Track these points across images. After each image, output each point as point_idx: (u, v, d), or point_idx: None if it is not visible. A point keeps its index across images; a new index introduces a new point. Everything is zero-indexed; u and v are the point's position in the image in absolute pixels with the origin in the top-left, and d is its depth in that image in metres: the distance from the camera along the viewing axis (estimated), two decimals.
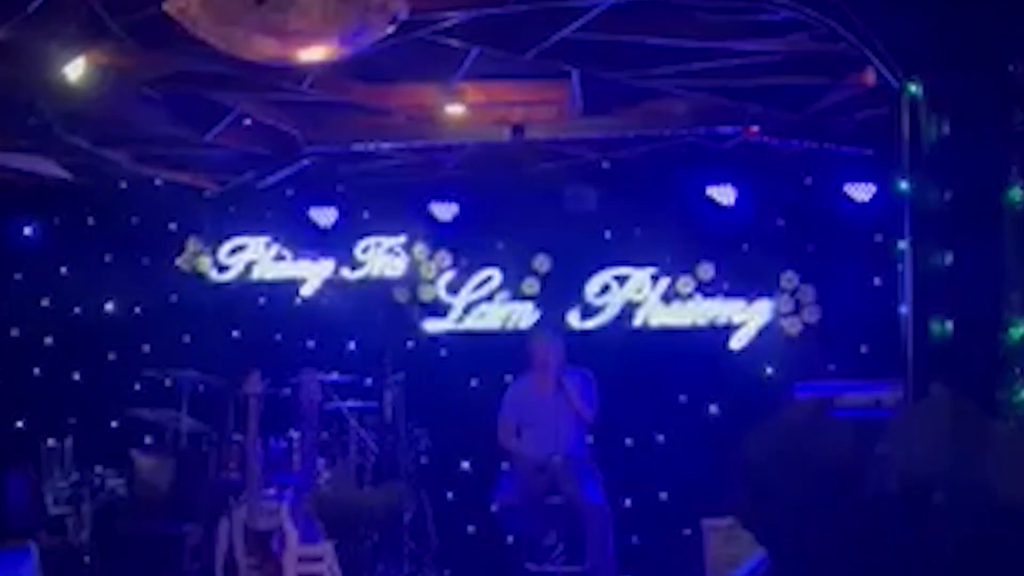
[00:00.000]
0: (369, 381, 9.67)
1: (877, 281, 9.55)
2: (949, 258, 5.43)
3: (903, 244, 5.73)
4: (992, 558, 1.68)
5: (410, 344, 10.04)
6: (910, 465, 1.78)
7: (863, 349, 9.74)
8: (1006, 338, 5.24)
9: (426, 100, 8.58)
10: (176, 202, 10.78)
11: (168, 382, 9.90)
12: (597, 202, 10.46)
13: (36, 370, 11.00)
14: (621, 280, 10.41)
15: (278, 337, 10.74)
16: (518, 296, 10.53)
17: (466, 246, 10.64)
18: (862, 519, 1.84)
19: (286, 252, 10.80)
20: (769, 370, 10.10)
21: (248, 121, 9.22)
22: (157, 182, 10.73)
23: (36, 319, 11.03)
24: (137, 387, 10.42)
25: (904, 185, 5.71)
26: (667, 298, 10.35)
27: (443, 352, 10.52)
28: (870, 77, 7.42)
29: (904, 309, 5.71)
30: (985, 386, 5.19)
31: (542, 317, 10.37)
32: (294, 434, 8.89)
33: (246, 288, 10.83)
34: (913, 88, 5.58)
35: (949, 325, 5.39)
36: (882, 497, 1.78)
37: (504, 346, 10.10)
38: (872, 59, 5.90)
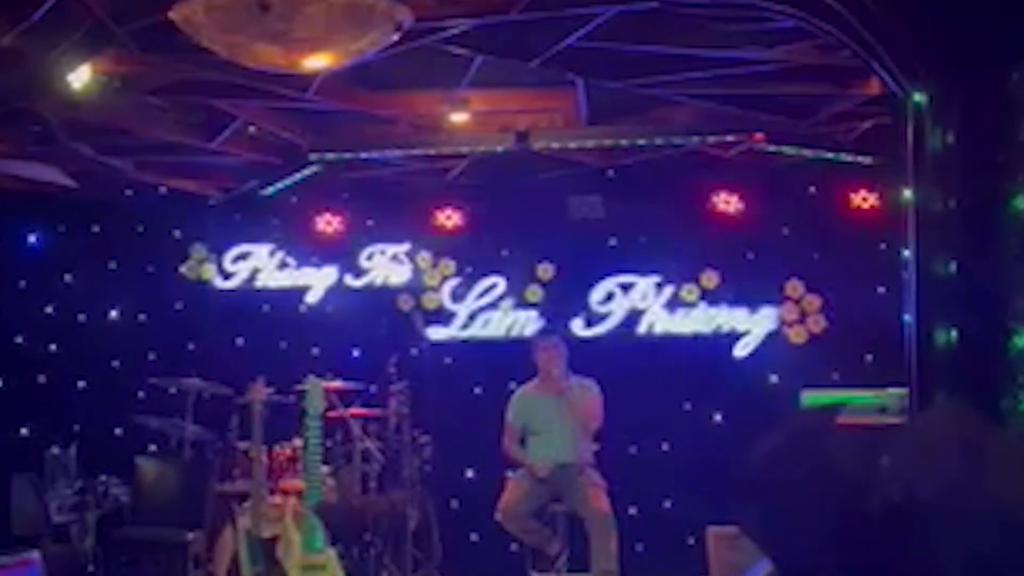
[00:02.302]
0: (373, 389, 9.68)
1: (882, 290, 9.55)
2: (953, 267, 5.42)
3: (907, 252, 5.72)
4: (998, 572, 1.68)
5: (414, 352, 10.04)
6: (915, 477, 1.77)
7: (868, 358, 9.73)
8: (1011, 347, 5.23)
9: (431, 108, 8.60)
10: (180, 210, 10.80)
11: (172, 390, 9.90)
12: (602, 210, 10.46)
13: (41, 377, 11.01)
14: (625, 288, 10.41)
15: (282, 345, 10.75)
16: (522, 304, 10.54)
17: (470, 254, 10.65)
18: (869, 531, 1.83)
19: (290, 260, 10.81)
20: (774, 378, 10.11)
21: (253, 129, 9.23)
22: (161, 190, 10.76)
23: (40, 327, 11.04)
24: (141, 395, 10.41)
25: (908, 193, 5.71)
26: (671, 306, 10.35)
27: (447, 360, 10.52)
28: (874, 86, 7.43)
29: (908, 318, 5.70)
30: (990, 395, 5.18)
31: (546, 325, 10.37)
32: (298, 441, 8.90)
33: (250, 295, 10.83)
34: (917, 97, 5.57)
35: (954, 334, 5.38)
36: (888, 509, 1.78)
37: (508, 354, 10.09)
38: (876, 68, 5.89)
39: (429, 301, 10.66)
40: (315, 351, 10.65)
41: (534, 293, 10.54)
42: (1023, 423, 5.10)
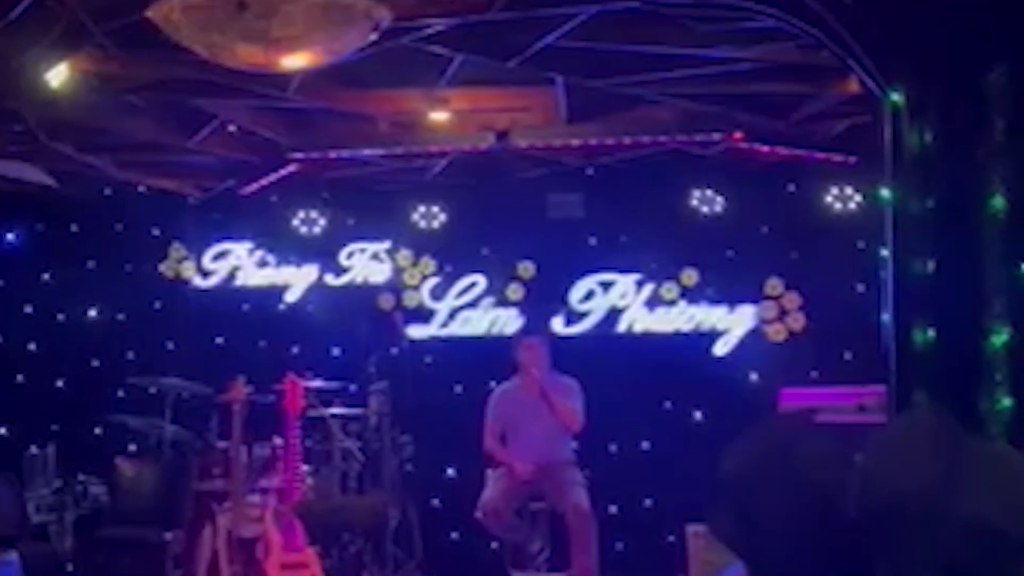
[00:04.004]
0: (353, 387, 9.66)
1: (860, 288, 9.57)
2: (931, 266, 5.44)
3: (885, 252, 5.74)
4: None
5: (394, 350, 10.03)
6: (888, 482, 1.78)
7: (846, 356, 9.76)
8: (988, 346, 5.26)
9: (410, 107, 8.59)
10: (160, 208, 10.77)
11: (152, 389, 9.87)
12: (581, 208, 10.47)
13: (19, 377, 10.96)
14: (605, 286, 10.41)
15: (262, 343, 10.72)
16: (502, 302, 10.53)
17: (450, 252, 10.64)
18: (843, 534, 1.84)
19: (270, 258, 10.79)
20: (753, 376, 10.12)
21: (232, 127, 9.21)
22: (141, 188, 10.72)
23: (19, 326, 10.99)
24: (120, 394, 10.37)
25: (886, 193, 5.73)
26: (651, 304, 10.36)
27: (427, 359, 10.51)
28: (853, 85, 7.44)
29: (887, 317, 5.72)
30: (967, 394, 5.20)
31: (526, 323, 10.37)
32: (278, 441, 8.88)
33: (230, 294, 10.80)
34: (895, 97, 5.59)
35: (931, 333, 5.41)
36: (861, 513, 1.78)
37: (488, 352, 10.08)
38: (855, 68, 5.91)
39: (409, 299, 10.65)
40: (295, 350, 10.64)
41: (514, 291, 10.54)
42: (1001, 423, 5.13)
